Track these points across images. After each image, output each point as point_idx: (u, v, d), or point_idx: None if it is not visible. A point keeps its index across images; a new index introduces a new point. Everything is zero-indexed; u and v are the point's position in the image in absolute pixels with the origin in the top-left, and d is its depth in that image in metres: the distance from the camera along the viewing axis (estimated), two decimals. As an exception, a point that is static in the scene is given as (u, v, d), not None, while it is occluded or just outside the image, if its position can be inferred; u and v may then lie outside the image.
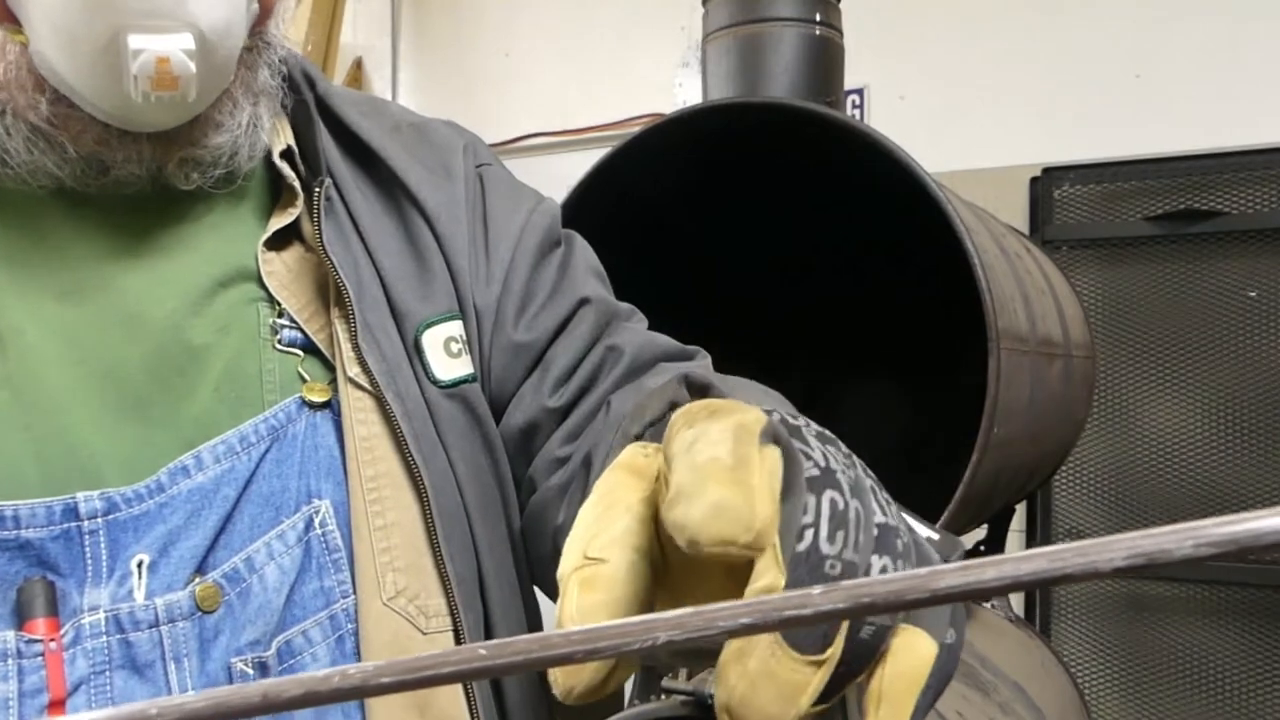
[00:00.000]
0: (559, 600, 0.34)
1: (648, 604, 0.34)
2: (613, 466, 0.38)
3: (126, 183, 0.63)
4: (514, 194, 0.75)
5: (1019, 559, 0.19)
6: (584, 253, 0.75)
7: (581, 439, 0.65)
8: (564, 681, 0.33)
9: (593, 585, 0.34)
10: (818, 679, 0.30)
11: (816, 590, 0.21)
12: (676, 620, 0.21)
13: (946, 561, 0.34)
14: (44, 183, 0.62)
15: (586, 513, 0.36)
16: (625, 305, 0.74)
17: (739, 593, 0.32)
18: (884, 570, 0.32)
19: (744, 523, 0.30)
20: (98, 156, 0.62)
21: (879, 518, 0.33)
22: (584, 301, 0.71)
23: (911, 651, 0.32)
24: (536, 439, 0.69)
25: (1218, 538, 0.18)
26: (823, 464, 0.33)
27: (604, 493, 0.37)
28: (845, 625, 0.31)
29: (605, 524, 0.35)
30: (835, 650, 0.31)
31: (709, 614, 0.21)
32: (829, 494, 0.32)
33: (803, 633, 0.30)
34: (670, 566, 0.36)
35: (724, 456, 0.31)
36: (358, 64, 3.55)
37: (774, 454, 0.32)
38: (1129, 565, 0.18)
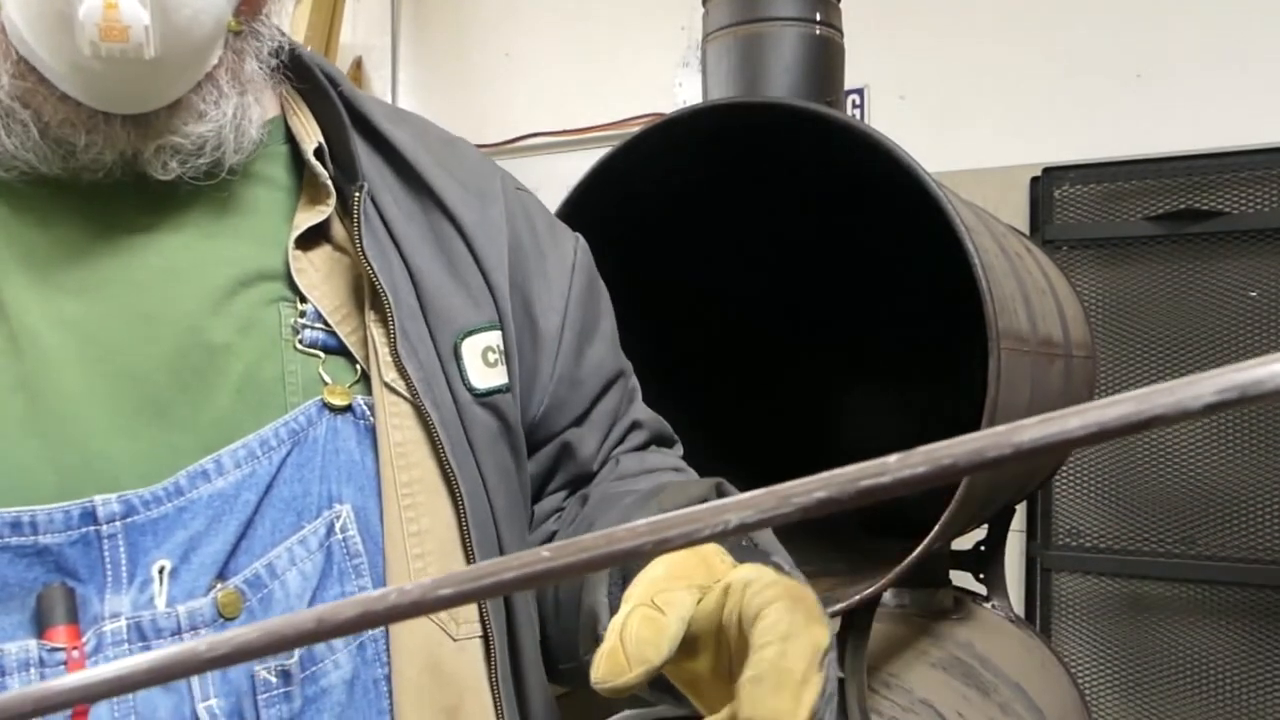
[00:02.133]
0: (620, 615, 0.46)
1: (670, 657, 0.47)
2: (692, 550, 0.49)
3: (95, 167, 0.61)
4: (556, 226, 0.79)
5: (1104, 405, 0.18)
6: (612, 316, 0.81)
7: (587, 489, 0.74)
8: (604, 673, 0.45)
9: (649, 625, 0.46)
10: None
11: (893, 458, 0.20)
12: (750, 500, 0.20)
13: None
14: (21, 167, 0.60)
15: (655, 567, 0.49)
16: (629, 364, 0.81)
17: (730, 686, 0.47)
18: None
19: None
20: (66, 138, 0.60)
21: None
22: (621, 374, 0.78)
23: None
24: (552, 482, 0.74)
25: None
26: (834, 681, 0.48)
27: (676, 562, 0.49)
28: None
29: (670, 585, 0.47)
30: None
31: (782, 492, 0.20)
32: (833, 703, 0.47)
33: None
34: (687, 638, 0.48)
35: (797, 672, 0.44)
36: (358, 64, 3.55)
37: (821, 679, 0.46)
38: (1221, 401, 0.17)
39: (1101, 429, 0.18)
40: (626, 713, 1.11)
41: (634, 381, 0.80)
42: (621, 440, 0.76)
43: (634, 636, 0.45)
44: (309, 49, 0.72)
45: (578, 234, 0.80)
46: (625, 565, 0.53)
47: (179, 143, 0.62)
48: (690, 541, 0.20)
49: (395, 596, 0.20)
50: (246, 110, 0.64)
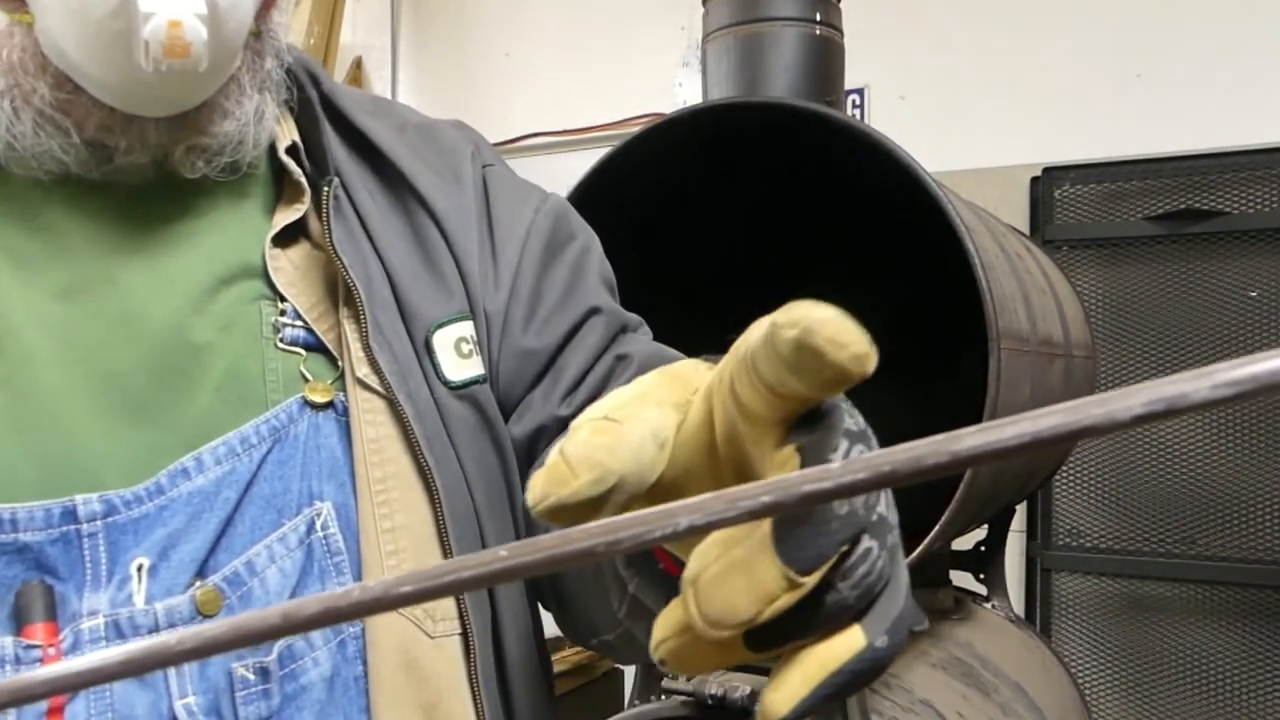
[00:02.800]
0: (564, 437, 0.34)
1: (641, 489, 0.34)
2: (661, 369, 0.38)
3: (131, 170, 0.62)
4: (518, 194, 0.74)
5: (1037, 415, 0.19)
6: (596, 260, 0.75)
7: None
8: (541, 488, 0.32)
9: (603, 434, 0.33)
10: (788, 597, 0.31)
11: (835, 465, 0.21)
12: (698, 504, 0.21)
13: (911, 627, 0.35)
14: (51, 168, 0.61)
15: (618, 392, 0.36)
16: (633, 316, 0.75)
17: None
18: (868, 551, 0.33)
19: (860, 337, 0.29)
20: (102, 143, 0.61)
21: (882, 509, 0.34)
22: (594, 311, 0.71)
23: (841, 639, 0.33)
24: (540, 444, 0.69)
25: (1236, 379, 0.17)
26: (861, 427, 0.34)
27: (643, 385, 0.37)
28: (827, 565, 0.31)
29: (633, 404, 0.35)
30: (813, 580, 0.31)
31: (730, 495, 0.21)
32: (859, 447, 0.33)
33: (796, 551, 0.31)
34: (671, 476, 0.36)
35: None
36: (358, 64, 3.55)
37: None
38: (1149, 413, 0.18)
39: (1035, 438, 0.19)
40: (627, 712, 1.11)
41: (618, 317, 0.73)
42: (608, 377, 0.69)
43: (581, 442, 0.33)
44: (297, 48, 0.72)
45: (547, 194, 0.77)
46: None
47: (207, 142, 0.63)
48: (641, 543, 0.21)
49: (358, 593, 0.21)
50: (264, 107, 0.65)
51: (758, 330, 0.31)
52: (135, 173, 0.63)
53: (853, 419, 0.34)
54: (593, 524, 0.21)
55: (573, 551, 0.21)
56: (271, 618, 0.21)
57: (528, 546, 0.21)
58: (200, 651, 0.20)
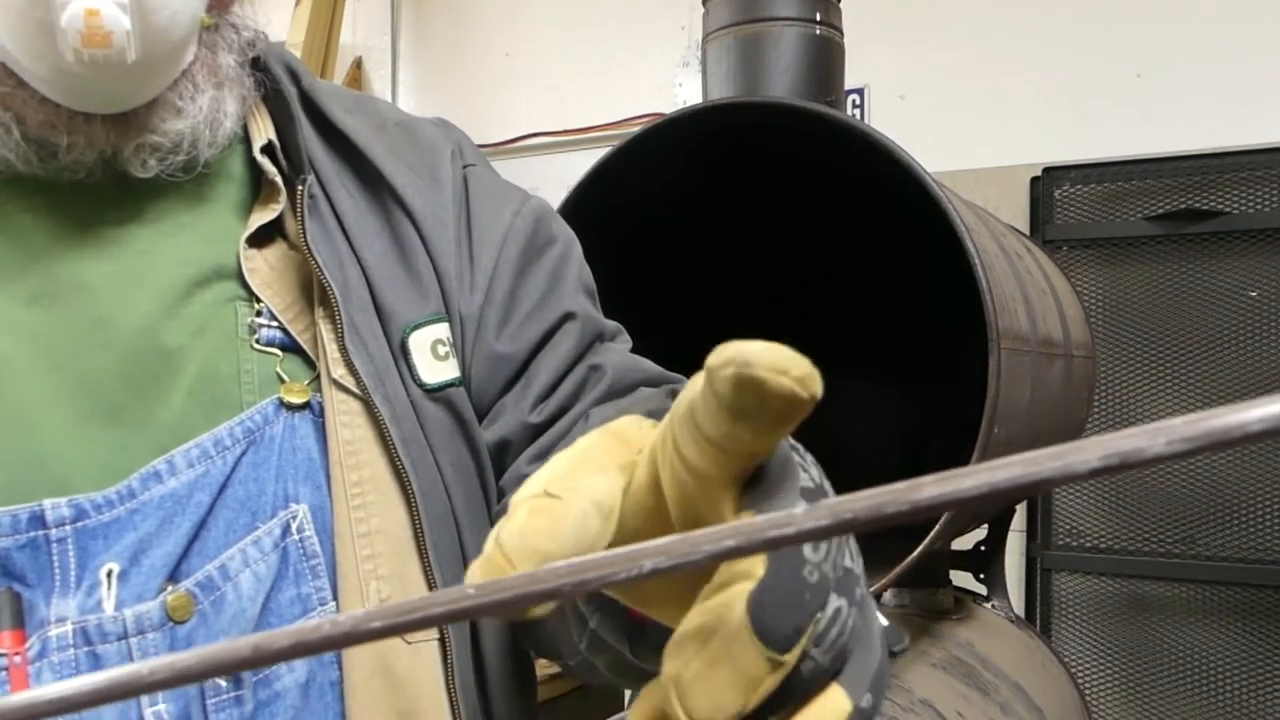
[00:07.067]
0: (502, 520, 0.32)
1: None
2: (601, 429, 0.36)
3: (76, 168, 0.61)
4: (498, 196, 0.73)
5: (995, 466, 0.19)
6: (576, 266, 0.73)
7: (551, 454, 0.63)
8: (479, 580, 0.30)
9: (541, 515, 0.31)
10: (772, 680, 0.29)
11: (799, 509, 0.21)
12: (663, 546, 0.22)
13: (890, 648, 0.34)
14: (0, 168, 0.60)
15: (558, 459, 0.34)
16: (611, 324, 0.73)
17: (692, 593, 0.31)
18: (838, 611, 0.31)
19: (800, 360, 0.27)
20: (47, 139, 0.60)
21: (847, 561, 0.33)
22: (569, 316, 0.69)
23: (826, 704, 0.31)
24: (510, 452, 0.67)
25: (1189, 434, 0.18)
26: (817, 482, 0.33)
27: (582, 448, 0.35)
28: (805, 638, 0.30)
29: (573, 473, 0.33)
30: (793, 656, 0.29)
31: (694, 539, 0.22)
32: None
33: (774, 630, 0.29)
34: (619, 543, 0.33)
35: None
36: (358, 64, 3.55)
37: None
38: (1104, 466, 0.18)
39: (992, 489, 0.20)
40: (627, 712, 1.11)
41: (594, 324, 0.71)
42: (581, 386, 0.67)
43: (518, 529, 0.31)
44: (276, 44, 0.71)
45: (528, 196, 0.75)
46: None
47: (158, 141, 0.61)
48: (606, 584, 0.22)
49: (328, 628, 0.21)
50: (221, 104, 0.64)
51: (694, 384, 0.29)
52: (82, 170, 0.61)
53: (807, 474, 0.32)
54: (560, 564, 0.22)
55: (539, 591, 0.22)
56: (242, 649, 0.21)
57: (495, 585, 0.22)
58: (171, 681, 0.21)
